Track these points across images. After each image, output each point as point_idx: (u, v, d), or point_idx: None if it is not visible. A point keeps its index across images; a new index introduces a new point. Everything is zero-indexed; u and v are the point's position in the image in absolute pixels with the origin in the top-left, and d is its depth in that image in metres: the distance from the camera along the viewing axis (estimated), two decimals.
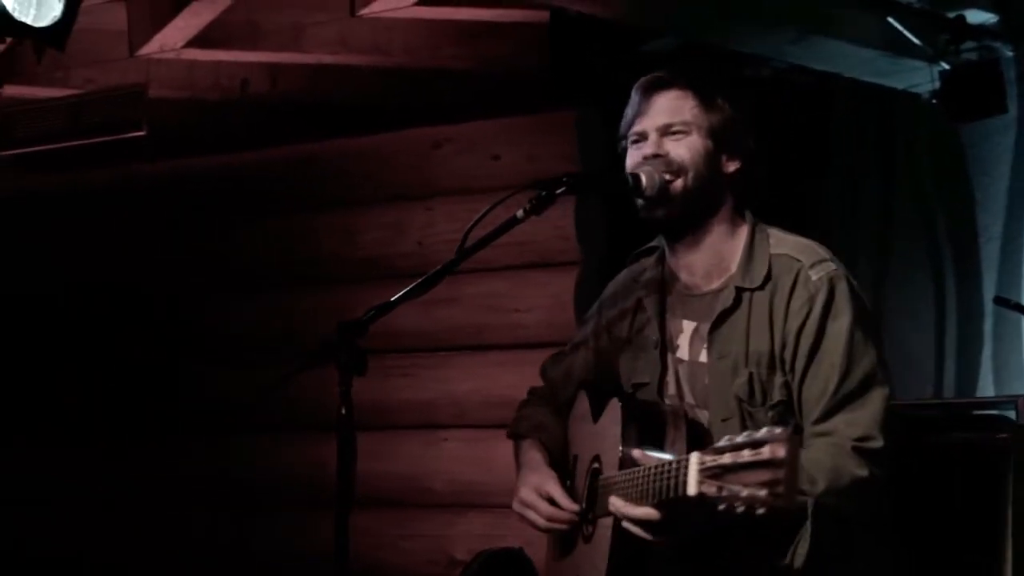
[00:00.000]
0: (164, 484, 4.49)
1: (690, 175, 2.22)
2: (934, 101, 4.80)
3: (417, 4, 3.90)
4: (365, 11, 4.00)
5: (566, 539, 2.36)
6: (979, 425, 3.37)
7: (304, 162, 4.42)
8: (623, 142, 2.31)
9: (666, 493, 1.94)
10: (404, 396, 4.19)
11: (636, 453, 2.09)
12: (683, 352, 2.28)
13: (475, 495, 4.03)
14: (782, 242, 2.26)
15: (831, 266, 2.21)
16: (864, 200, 5.32)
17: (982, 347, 4.93)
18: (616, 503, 2.06)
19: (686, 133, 2.23)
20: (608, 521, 2.16)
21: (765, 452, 1.72)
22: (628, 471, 2.09)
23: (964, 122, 4.89)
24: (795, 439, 1.72)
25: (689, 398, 2.27)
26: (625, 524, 2.05)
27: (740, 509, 1.73)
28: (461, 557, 3.91)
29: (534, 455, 2.40)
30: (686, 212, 2.23)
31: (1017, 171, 4.96)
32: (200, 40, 4.14)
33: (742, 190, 2.28)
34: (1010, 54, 4.91)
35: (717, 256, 2.26)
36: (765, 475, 1.71)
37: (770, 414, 2.18)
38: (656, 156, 2.22)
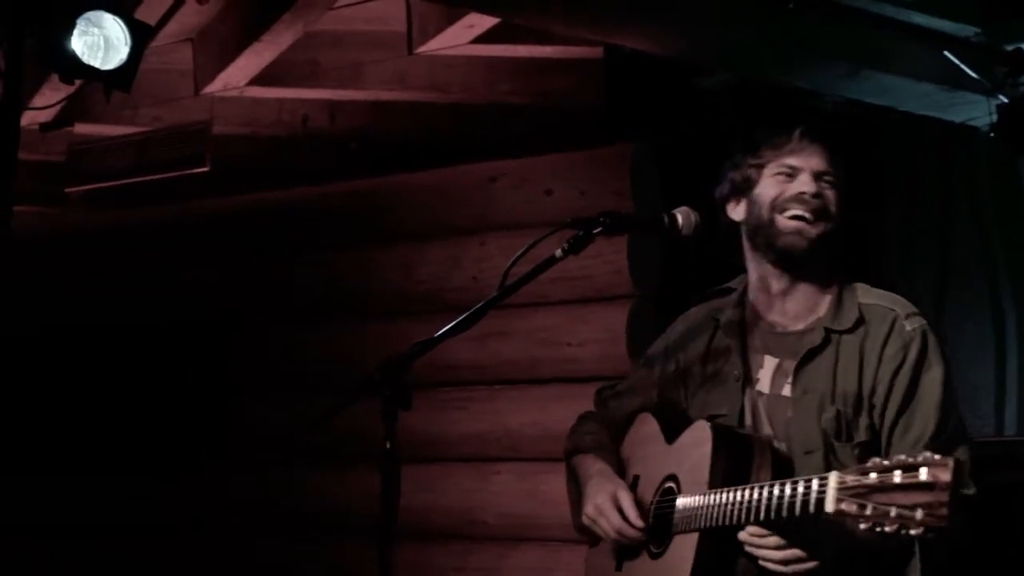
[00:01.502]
0: (216, 514, 4.48)
1: (831, 224, 2.29)
2: (992, 134, 4.73)
3: (474, 42, 3.93)
4: (423, 49, 4.03)
5: (627, 551, 2.35)
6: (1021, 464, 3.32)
7: (362, 197, 4.43)
8: (756, 168, 2.34)
9: (792, 511, 1.96)
10: (458, 429, 4.17)
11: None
12: (763, 386, 2.31)
13: (527, 528, 3.98)
14: (872, 293, 2.33)
15: (923, 320, 2.28)
16: (922, 236, 5.24)
17: None
18: (752, 534, 2.07)
19: (835, 186, 2.31)
20: (689, 541, 2.17)
21: (924, 475, 1.75)
22: (732, 488, 2.10)
23: (1022, 155, 4.81)
24: (959, 466, 1.76)
25: (767, 430, 2.28)
26: (754, 549, 2.07)
27: (888, 529, 1.77)
28: None
29: (605, 467, 2.41)
30: (813, 254, 2.29)
31: None
32: (262, 78, 4.19)
33: (839, 245, 2.36)
34: None
35: (809, 300, 2.32)
36: (924, 497, 1.75)
37: (855, 452, 2.20)
38: (816, 196, 2.28)
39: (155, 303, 4.73)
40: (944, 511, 1.74)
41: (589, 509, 2.35)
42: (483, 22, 3.79)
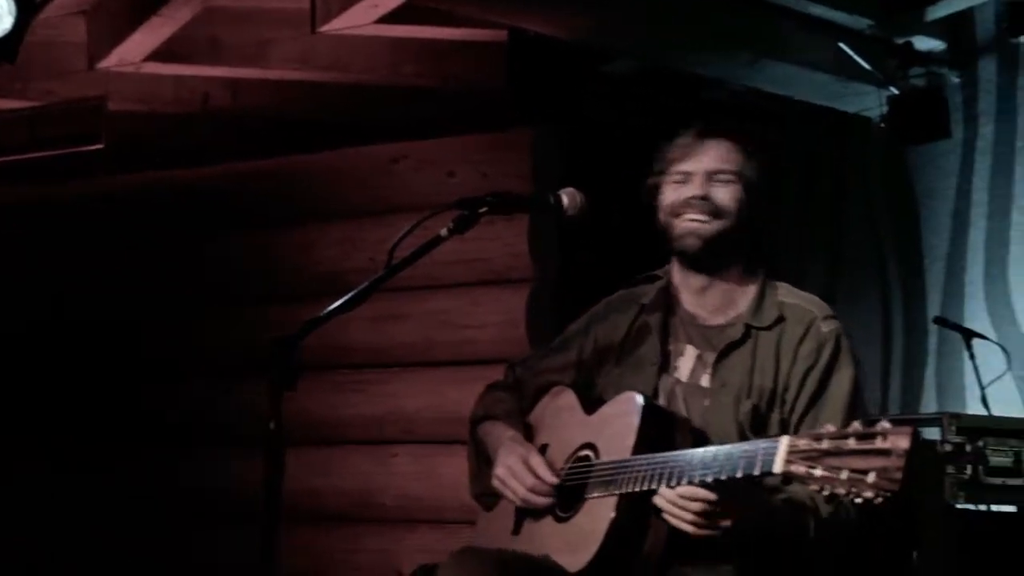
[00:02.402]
0: (120, 496, 4.37)
1: (728, 220, 2.30)
2: (883, 125, 4.81)
3: (378, 22, 3.87)
4: (326, 28, 3.95)
5: (529, 515, 2.33)
6: None
7: (264, 177, 4.34)
8: (659, 176, 2.37)
9: (734, 473, 1.95)
10: (354, 411, 4.12)
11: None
12: (682, 374, 2.32)
13: (424, 510, 3.95)
14: (792, 293, 2.36)
15: (838, 323, 2.31)
16: (817, 220, 5.33)
17: (926, 365, 4.94)
18: (665, 492, 2.06)
19: (731, 182, 2.31)
20: (606, 503, 2.15)
21: (881, 442, 1.75)
22: (661, 454, 2.09)
23: (910, 145, 4.90)
24: (918, 437, 1.76)
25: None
26: (673, 510, 2.05)
27: (839, 491, 1.77)
28: (410, 573, 3.85)
29: (516, 434, 2.39)
30: (716, 252, 2.31)
31: (961, 194, 4.97)
32: (161, 54, 4.06)
33: (758, 241, 2.37)
34: (956, 80, 4.93)
35: (728, 296, 2.35)
36: (878, 462, 1.75)
37: None
38: (702, 198, 2.30)
39: (50, 284, 4.59)
40: (898, 475, 1.74)
41: (500, 471, 2.33)
42: (388, 2, 3.73)
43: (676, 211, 2.31)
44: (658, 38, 4.28)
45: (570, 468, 2.29)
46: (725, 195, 2.30)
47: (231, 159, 4.42)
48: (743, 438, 2.19)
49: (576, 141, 4.14)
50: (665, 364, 2.33)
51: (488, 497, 2.39)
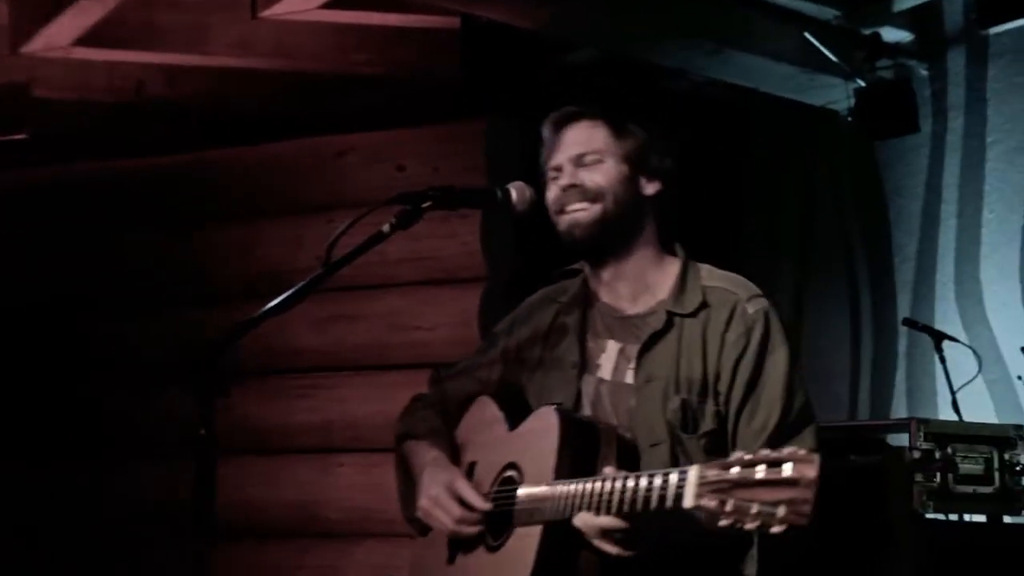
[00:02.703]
0: (37, 511, 4.30)
1: (608, 200, 2.26)
2: (850, 118, 4.84)
3: (323, 6, 3.83)
4: (268, 13, 3.92)
5: (461, 544, 2.30)
6: (865, 448, 3.45)
7: (202, 170, 4.30)
8: (542, 178, 2.35)
9: (648, 504, 1.94)
10: (300, 418, 4.09)
11: (608, 470, 2.08)
12: (605, 372, 2.29)
13: (372, 523, 3.92)
14: (715, 275, 2.31)
15: (765, 301, 2.26)
16: (784, 217, 5.36)
17: (896, 368, 4.98)
18: (586, 517, 2.04)
19: (600, 161, 2.28)
20: (531, 534, 2.13)
21: (788, 471, 1.74)
22: (581, 480, 2.07)
23: (878, 139, 4.94)
24: (823, 464, 1.75)
25: (612, 419, 2.26)
26: (596, 540, 2.04)
27: (749, 526, 1.77)
28: None
29: (439, 455, 2.36)
30: (606, 236, 2.27)
31: (931, 190, 5.02)
32: (91, 39, 4.00)
33: (666, 212, 2.33)
34: (925, 72, 4.98)
35: (643, 281, 2.31)
36: (787, 493, 1.75)
37: (702, 442, 2.19)
38: (572, 186, 2.26)
39: None
40: (807, 508, 1.73)
41: (424, 502, 2.30)
42: None
43: (557, 208, 2.28)
44: (619, 27, 4.28)
45: (497, 492, 2.27)
46: (596, 176, 2.26)
47: (167, 151, 4.37)
48: (674, 439, 2.18)
49: (533, 133, 4.12)
50: (586, 363, 2.30)
51: (420, 521, 2.36)
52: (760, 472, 1.76)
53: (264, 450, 4.08)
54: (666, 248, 2.33)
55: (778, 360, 2.20)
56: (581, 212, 2.25)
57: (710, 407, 2.19)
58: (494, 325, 2.53)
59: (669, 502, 1.89)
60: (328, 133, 4.15)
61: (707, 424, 2.19)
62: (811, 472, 1.73)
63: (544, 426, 2.19)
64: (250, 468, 4.06)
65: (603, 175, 2.25)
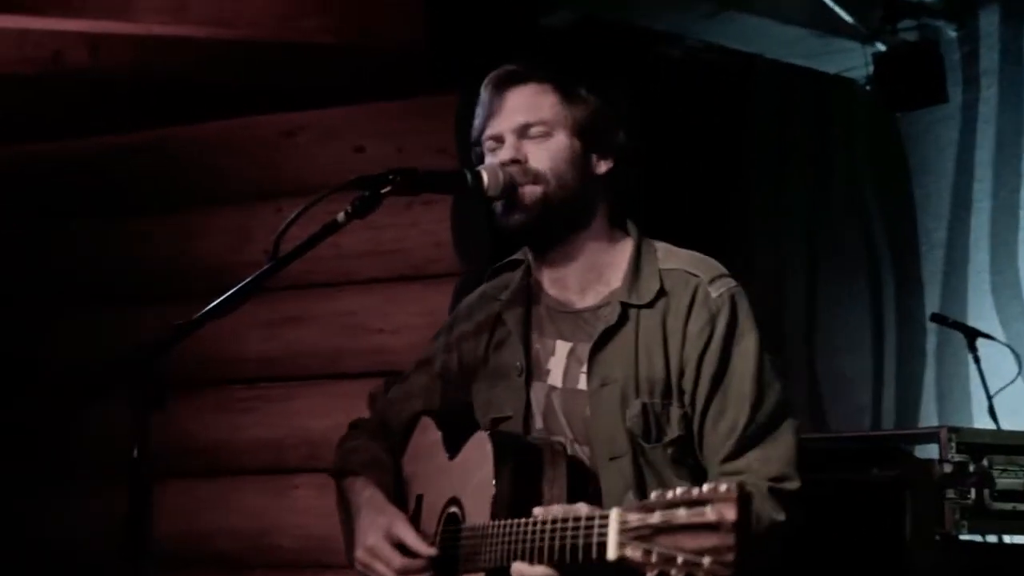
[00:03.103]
0: None
1: (552, 182, 2.23)
2: (868, 87, 4.88)
3: None
4: None
5: None
6: (889, 461, 3.47)
7: (130, 152, 4.31)
8: (477, 148, 2.33)
9: (575, 554, 1.93)
10: (248, 434, 4.10)
11: (537, 511, 2.06)
12: (555, 378, 2.28)
13: (330, 553, 3.88)
14: (672, 255, 2.28)
15: (731, 282, 2.25)
16: (792, 201, 5.39)
17: (924, 369, 5.01)
18: (521, 568, 2.04)
19: (547, 134, 2.25)
20: None
21: (709, 514, 1.73)
22: (514, 522, 2.07)
23: (901, 111, 4.98)
24: (745, 499, 1.73)
25: (567, 432, 2.26)
26: None
27: None
28: None
29: (374, 493, 2.36)
30: (549, 221, 2.25)
31: (962, 168, 5.05)
32: (2, 3, 4.01)
33: (619, 193, 2.31)
34: (953, 34, 5.01)
35: (594, 269, 2.28)
36: (710, 540, 1.73)
37: (669, 451, 2.20)
38: (514, 162, 2.23)
39: None
40: (730, 556, 1.70)
41: (360, 554, 2.30)
42: None
43: (510, 181, 2.23)
44: None
45: (442, 531, 2.28)
46: (541, 153, 2.23)
47: (90, 131, 4.37)
48: (636, 449, 2.18)
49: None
50: (533, 369, 2.29)
51: None
52: (682, 515, 1.74)
53: (208, 471, 4.09)
54: (616, 226, 2.30)
55: (746, 349, 2.19)
56: (520, 192, 2.22)
57: (675, 410, 2.19)
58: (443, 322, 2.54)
59: (594, 552, 1.88)
60: (275, 110, 4.16)
61: (673, 430, 2.19)
62: (730, 514, 1.71)
63: (479, 455, 2.20)
64: (192, 492, 4.07)
65: (549, 153, 2.23)
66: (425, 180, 2.26)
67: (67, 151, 4.38)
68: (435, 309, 3.86)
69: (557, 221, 2.25)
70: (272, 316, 3.97)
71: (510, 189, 2.23)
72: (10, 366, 4.38)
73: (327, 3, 4.07)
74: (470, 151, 3.85)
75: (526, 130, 2.25)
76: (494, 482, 2.14)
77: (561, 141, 2.24)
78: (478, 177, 2.23)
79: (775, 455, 2.16)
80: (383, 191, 2.19)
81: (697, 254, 2.28)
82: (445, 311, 3.86)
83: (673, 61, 5.09)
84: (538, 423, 2.28)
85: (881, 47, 4.79)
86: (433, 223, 3.84)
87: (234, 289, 2.12)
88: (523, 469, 2.16)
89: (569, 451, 2.22)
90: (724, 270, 2.26)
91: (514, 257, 2.40)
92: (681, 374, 2.19)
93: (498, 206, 2.25)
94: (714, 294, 2.21)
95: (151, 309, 4.17)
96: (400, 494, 2.40)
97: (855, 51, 4.87)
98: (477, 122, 2.32)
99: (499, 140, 2.27)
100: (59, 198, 4.40)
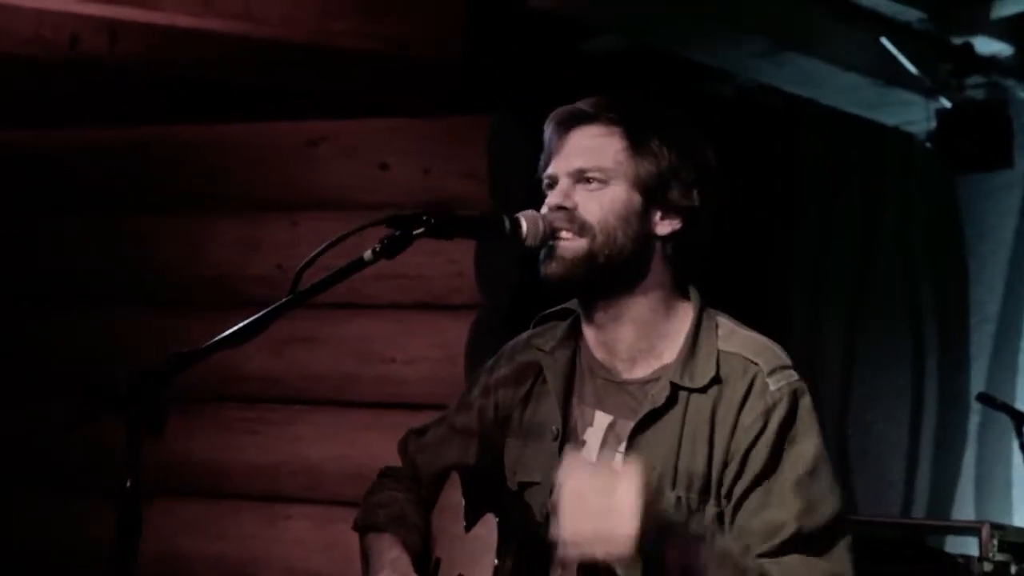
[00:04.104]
0: None
1: (599, 237, 2.19)
2: (928, 144, 4.90)
3: None
4: None
5: None
6: (920, 556, 3.43)
7: (142, 149, 4.36)
8: (542, 186, 2.29)
9: None
10: (243, 457, 4.13)
11: None
12: (591, 451, 2.25)
13: None
14: (734, 337, 2.24)
15: (793, 375, 2.19)
16: (836, 259, 5.40)
17: (964, 452, 5.00)
18: None
19: (603, 183, 2.20)
20: None
21: None
22: None
23: (961, 172, 4.99)
24: None
25: None
26: None
27: None
28: None
29: (399, 556, 2.34)
30: (592, 279, 2.21)
31: (1022, 239, 5.06)
32: None
33: (683, 256, 2.25)
34: None
35: (646, 338, 2.24)
36: None
37: None
38: (561, 208, 2.20)
39: None
40: None
41: None
42: None
43: (549, 228, 2.20)
44: (652, 11, 4.33)
45: None
46: (592, 204, 2.18)
47: (100, 122, 4.41)
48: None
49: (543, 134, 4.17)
50: (568, 435, 2.27)
51: None
52: None
53: (196, 492, 4.13)
54: (677, 291, 2.25)
55: (802, 453, 2.13)
56: (566, 242, 2.19)
57: (711, 509, 2.15)
58: (484, 362, 2.54)
59: None
60: (298, 117, 4.20)
61: (706, 518, 2.14)
62: None
63: (486, 540, 2.20)
64: (178, 513, 4.11)
65: (601, 204, 2.19)
66: (461, 224, 2.22)
67: (73, 140, 4.43)
68: (451, 341, 3.92)
69: (601, 280, 2.20)
70: (279, 333, 3.92)
71: (550, 238, 2.20)
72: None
73: (363, 6, 4.09)
74: (502, 179, 3.92)
75: (582, 175, 2.20)
76: (494, 570, 2.16)
77: (618, 193, 2.20)
78: (516, 224, 2.19)
79: (823, 569, 2.09)
80: (415, 232, 2.16)
81: (762, 339, 2.24)
82: (462, 344, 3.93)
83: (722, 99, 5.13)
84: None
85: (946, 103, 4.80)
86: (457, 252, 3.86)
87: (248, 320, 2.13)
88: (529, 560, 2.16)
89: None
90: (788, 361, 2.21)
91: (565, 306, 2.36)
92: (723, 467, 2.15)
93: (541, 254, 2.22)
94: (773, 387, 2.16)
95: (150, 315, 4.24)
96: (425, 554, 2.39)
97: (917, 104, 4.89)
98: (542, 159, 2.27)
99: (554, 181, 2.23)
100: (59, 189, 4.44)
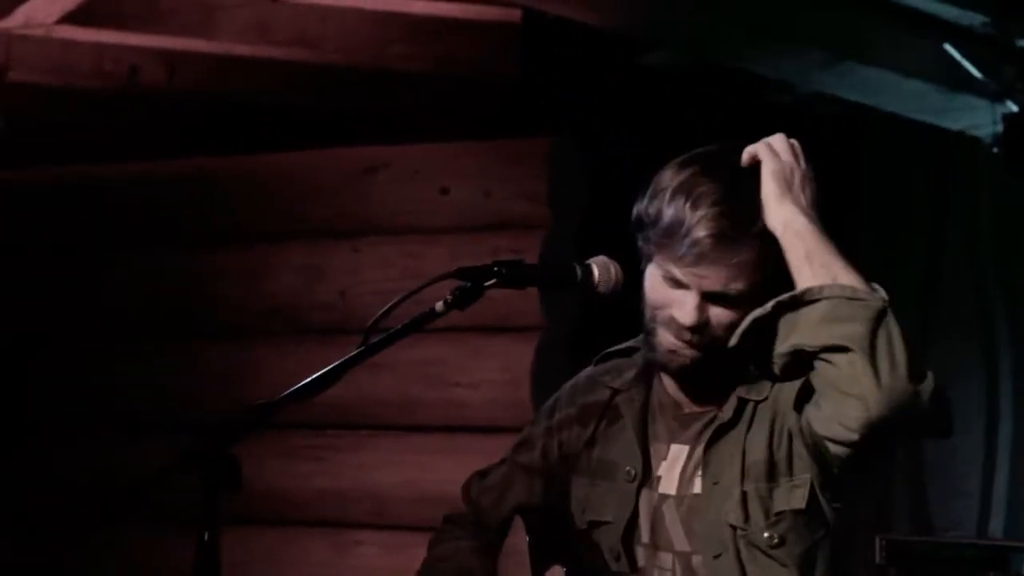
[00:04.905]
0: None
1: (724, 343, 2.23)
2: (995, 149, 4.92)
3: None
4: None
5: None
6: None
7: (202, 180, 4.48)
8: (646, 245, 2.28)
9: None
10: (310, 484, 4.23)
11: None
12: (668, 485, 2.32)
13: None
14: None
15: None
16: (903, 268, 5.39)
17: None
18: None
19: (738, 302, 2.23)
20: None
21: None
22: None
23: None
24: None
25: (682, 545, 2.30)
26: None
27: None
28: None
29: None
30: (708, 369, 2.26)
31: None
32: (80, 16, 4.19)
33: None
34: None
35: (728, 379, 2.29)
36: None
37: (776, 530, 2.23)
38: (696, 330, 2.22)
39: None
40: None
41: None
42: None
43: (657, 318, 2.25)
44: (705, 26, 4.38)
45: None
46: (725, 318, 2.23)
47: (161, 155, 4.53)
48: (737, 545, 2.22)
49: (605, 153, 4.26)
50: (645, 474, 2.32)
51: None
52: None
53: (263, 521, 4.21)
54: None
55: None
56: (690, 351, 2.23)
57: (783, 484, 2.21)
58: (550, 386, 2.59)
59: None
60: (357, 144, 4.31)
61: (779, 503, 2.21)
62: None
63: None
64: (245, 542, 4.19)
65: (732, 319, 2.22)
66: (532, 274, 2.32)
67: (133, 175, 4.56)
68: (515, 364, 4.00)
69: (716, 367, 2.26)
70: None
71: (649, 313, 2.25)
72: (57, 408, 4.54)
73: (418, 30, 4.17)
74: (562, 201, 3.99)
75: (716, 298, 2.23)
76: None
77: (751, 297, 2.21)
78: (588, 272, 2.26)
79: None
80: (487, 284, 2.23)
81: None
82: (527, 367, 3.99)
83: (781, 109, 5.16)
84: (644, 535, 2.32)
85: (1013, 107, 4.83)
86: None
87: (322, 371, 2.19)
88: None
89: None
90: None
91: (630, 344, 2.41)
92: (779, 443, 2.23)
93: (661, 343, 2.25)
94: None
95: (213, 349, 4.37)
96: None
97: (983, 108, 4.90)
98: (657, 224, 2.23)
99: (678, 284, 2.24)
100: (120, 227, 4.55)
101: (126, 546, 4.36)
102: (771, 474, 2.23)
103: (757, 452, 2.24)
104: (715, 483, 2.26)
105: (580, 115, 4.29)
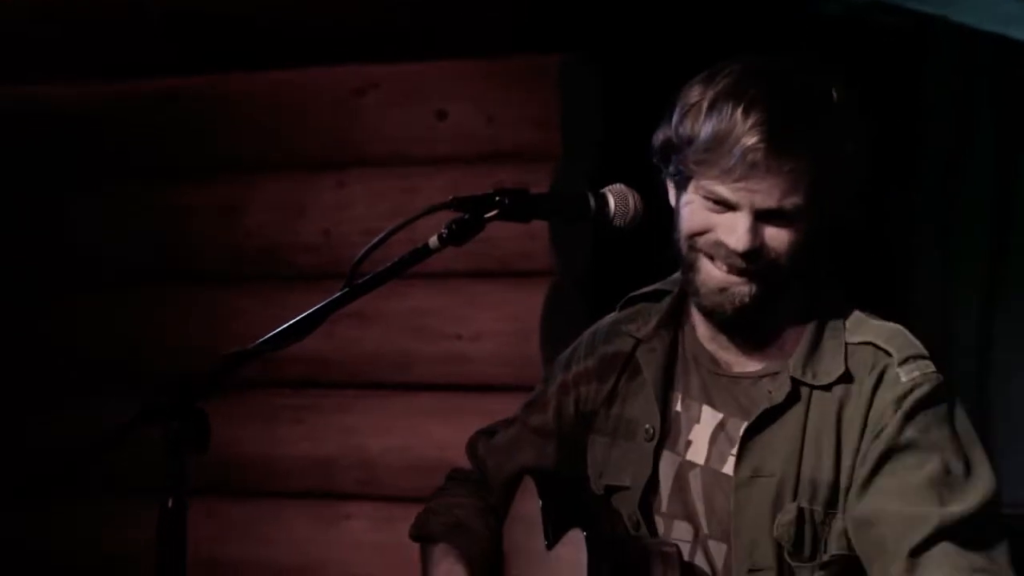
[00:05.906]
0: None
1: (783, 268, 2.22)
2: None
3: None
4: None
5: None
6: None
7: (168, 103, 4.44)
8: (669, 164, 2.27)
9: None
10: (292, 450, 4.21)
11: None
12: (698, 453, 2.31)
13: None
14: (863, 326, 2.28)
15: (930, 366, 2.23)
16: (967, 219, 5.36)
17: None
18: None
19: (794, 218, 2.21)
20: None
21: None
22: None
23: None
24: None
25: (702, 521, 2.30)
26: None
27: None
28: None
29: (452, 568, 2.42)
30: (761, 309, 2.25)
31: None
32: None
33: (828, 242, 2.29)
34: None
35: (773, 332, 2.29)
36: None
37: (822, 574, 2.21)
38: (750, 255, 2.20)
39: None
40: None
41: None
42: None
43: (700, 248, 2.24)
44: None
45: None
46: (783, 239, 2.21)
47: (119, 74, 4.49)
48: (781, 566, 2.21)
49: (623, 73, 4.22)
50: (667, 435, 2.32)
51: None
52: None
53: (241, 492, 4.23)
54: (812, 276, 2.28)
55: (936, 437, 2.16)
56: (742, 285, 2.21)
57: (838, 523, 2.19)
58: (562, 338, 2.57)
59: None
60: (344, 61, 4.25)
61: (832, 547, 2.20)
62: None
63: (574, 559, 2.23)
64: (223, 516, 4.21)
65: (791, 240, 2.20)
66: (539, 204, 2.29)
67: (88, 97, 4.50)
68: (522, 314, 3.96)
69: (769, 305, 2.25)
70: None
71: (688, 251, 2.23)
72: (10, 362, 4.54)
73: None
74: (575, 128, 3.95)
75: (772, 216, 2.20)
76: None
77: (810, 221, 2.21)
78: (603, 202, 2.25)
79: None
80: (487, 216, 2.23)
81: (894, 326, 2.28)
82: (535, 317, 3.94)
83: (830, 21, 5.12)
84: (663, 503, 2.33)
85: None
86: None
87: (302, 316, 2.18)
88: None
89: (687, 557, 2.27)
90: (924, 351, 2.24)
91: (659, 287, 2.41)
92: (852, 473, 2.19)
93: (708, 281, 2.23)
94: (904, 378, 2.21)
95: (191, 290, 4.34)
96: (494, 567, 2.46)
97: None
98: (693, 143, 2.20)
99: (726, 205, 2.21)
100: (83, 154, 4.52)
101: (84, 515, 4.36)
102: (832, 502, 2.21)
103: (821, 471, 2.21)
104: (755, 475, 2.23)
105: (596, 29, 4.23)
